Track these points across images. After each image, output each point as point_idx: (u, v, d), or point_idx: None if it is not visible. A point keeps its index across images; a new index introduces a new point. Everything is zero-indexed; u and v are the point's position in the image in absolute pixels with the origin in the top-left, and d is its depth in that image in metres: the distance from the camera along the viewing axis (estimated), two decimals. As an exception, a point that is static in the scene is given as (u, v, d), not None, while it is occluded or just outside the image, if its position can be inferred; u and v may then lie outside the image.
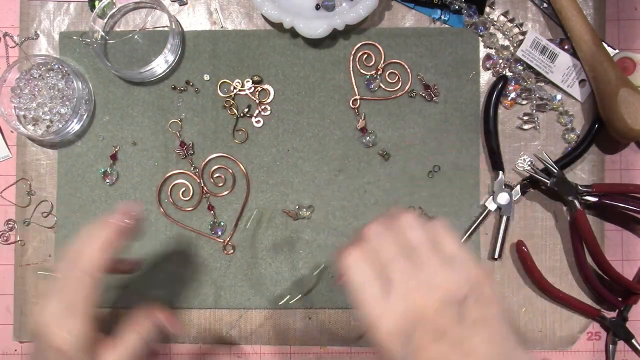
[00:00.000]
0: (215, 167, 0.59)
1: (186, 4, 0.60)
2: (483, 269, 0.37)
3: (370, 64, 0.59)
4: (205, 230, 0.58)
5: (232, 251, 0.58)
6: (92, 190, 0.59)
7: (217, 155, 0.59)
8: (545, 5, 0.59)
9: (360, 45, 0.59)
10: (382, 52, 0.59)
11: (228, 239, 0.58)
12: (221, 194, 0.58)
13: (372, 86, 0.58)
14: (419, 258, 0.36)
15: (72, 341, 0.38)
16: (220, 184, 0.59)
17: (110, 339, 0.41)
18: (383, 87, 0.59)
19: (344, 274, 0.37)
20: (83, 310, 0.39)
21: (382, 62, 0.59)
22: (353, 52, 0.59)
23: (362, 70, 0.59)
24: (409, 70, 0.59)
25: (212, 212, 0.58)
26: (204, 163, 0.58)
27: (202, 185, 0.58)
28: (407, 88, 0.59)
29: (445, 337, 0.33)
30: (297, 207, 0.58)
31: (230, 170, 0.59)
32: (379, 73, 0.59)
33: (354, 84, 0.59)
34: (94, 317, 0.40)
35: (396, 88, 0.59)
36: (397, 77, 0.59)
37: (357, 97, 0.59)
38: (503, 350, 0.34)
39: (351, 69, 0.59)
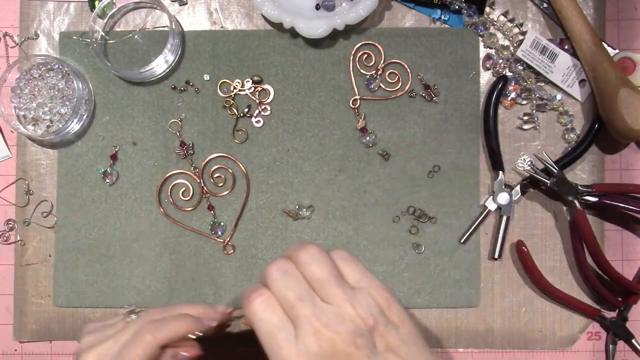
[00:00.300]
0: (216, 167, 0.59)
1: (186, 4, 0.60)
2: (388, 291, 0.37)
3: (370, 64, 0.59)
4: (205, 230, 0.58)
5: (232, 251, 0.58)
6: (92, 190, 0.59)
7: (217, 155, 0.59)
8: (545, 5, 0.59)
9: (360, 45, 0.59)
10: (382, 52, 0.59)
11: (228, 239, 0.58)
12: (221, 194, 0.58)
13: (372, 86, 0.58)
14: (324, 293, 0.36)
15: None
16: (220, 184, 0.59)
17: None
18: (383, 87, 0.59)
19: (251, 321, 0.37)
20: None
21: (382, 62, 0.59)
22: (353, 52, 0.59)
23: (362, 70, 0.59)
24: (409, 70, 0.59)
25: (212, 212, 0.58)
26: (204, 163, 0.58)
27: (202, 185, 0.58)
28: (407, 88, 0.59)
29: None
30: (297, 207, 0.58)
31: (230, 170, 0.59)
32: (379, 73, 0.59)
33: (354, 84, 0.59)
34: None
35: (396, 88, 0.59)
36: (397, 77, 0.59)
37: (357, 97, 0.59)
38: None
39: (351, 69, 0.59)
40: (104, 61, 0.57)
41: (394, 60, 0.59)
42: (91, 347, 0.43)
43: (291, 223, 0.58)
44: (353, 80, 0.59)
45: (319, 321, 0.35)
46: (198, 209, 0.58)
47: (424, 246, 0.58)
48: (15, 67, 0.57)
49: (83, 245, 0.58)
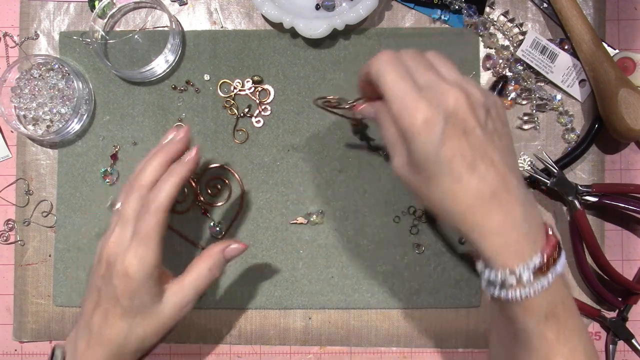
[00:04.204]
0: (212, 176, 0.58)
1: (186, 4, 0.60)
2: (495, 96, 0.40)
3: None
4: (205, 230, 0.58)
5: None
6: (92, 190, 0.59)
7: (215, 166, 0.58)
8: (545, 5, 0.59)
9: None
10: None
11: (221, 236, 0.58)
12: (217, 204, 0.58)
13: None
14: (442, 72, 0.39)
15: (141, 268, 0.40)
16: (216, 194, 0.58)
17: (175, 275, 0.45)
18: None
19: (377, 76, 0.39)
20: (155, 240, 0.42)
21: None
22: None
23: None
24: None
25: (207, 215, 0.58)
26: (202, 171, 0.58)
27: (199, 192, 0.58)
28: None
29: (469, 136, 0.36)
30: (307, 214, 0.58)
31: (227, 181, 0.58)
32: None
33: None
34: (161, 251, 0.42)
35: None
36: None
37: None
38: (509, 165, 0.37)
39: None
40: (104, 61, 0.57)
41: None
42: (105, 242, 0.43)
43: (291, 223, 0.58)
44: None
45: (441, 87, 0.37)
46: (193, 211, 0.58)
47: (424, 246, 0.58)
48: (15, 67, 0.57)
49: (83, 245, 0.58)
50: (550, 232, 0.37)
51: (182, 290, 0.43)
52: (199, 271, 0.44)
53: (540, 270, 0.35)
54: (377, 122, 0.42)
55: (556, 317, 0.36)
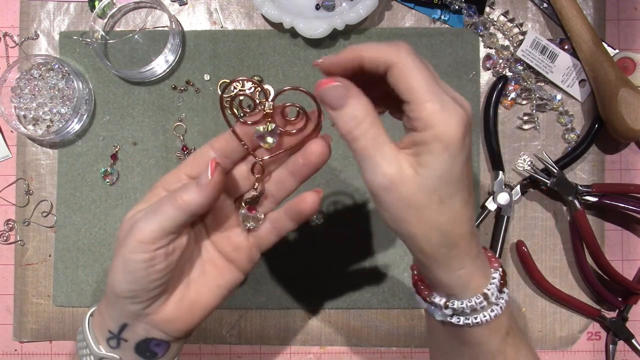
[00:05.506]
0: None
1: (186, 4, 0.60)
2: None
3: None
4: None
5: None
6: (92, 190, 0.59)
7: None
8: (545, 5, 0.59)
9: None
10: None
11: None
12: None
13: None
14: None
15: (156, 235, 0.36)
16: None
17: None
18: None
19: (401, 69, 0.33)
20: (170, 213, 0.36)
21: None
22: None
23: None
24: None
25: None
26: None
27: None
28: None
29: (467, 159, 0.33)
30: None
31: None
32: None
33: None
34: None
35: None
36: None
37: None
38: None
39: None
40: (104, 61, 0.57)
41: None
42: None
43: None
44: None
45: (454, 94, 0.34)
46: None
47: (424, 246, 0.58)
48: (15, 67, 0.57)
49: (83, 245, 0.58)
50: (482, 247, 0.36)
51: None
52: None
53: (501, 285, 0.35)
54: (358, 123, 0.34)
55: (513, 331, 0.36)
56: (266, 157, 0.37)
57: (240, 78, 0.38)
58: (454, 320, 0.35)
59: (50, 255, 0.59)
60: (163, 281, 0.36)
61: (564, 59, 0.58)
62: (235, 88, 0.38)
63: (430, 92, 0.32)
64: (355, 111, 0.33)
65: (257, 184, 0.38)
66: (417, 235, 0.33)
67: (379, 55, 0.34)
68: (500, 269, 0.35)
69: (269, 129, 0.36)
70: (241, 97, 0.38)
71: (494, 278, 0.34)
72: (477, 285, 0.34)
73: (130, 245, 0.35)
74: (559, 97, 0.59)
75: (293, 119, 0.37)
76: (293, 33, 0.58)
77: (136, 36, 0.59)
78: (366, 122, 0.33)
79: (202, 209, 0.35)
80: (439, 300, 0.35)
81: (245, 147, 0.37)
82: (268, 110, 0.36)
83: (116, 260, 0.36)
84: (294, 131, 0.37)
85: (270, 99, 0.36)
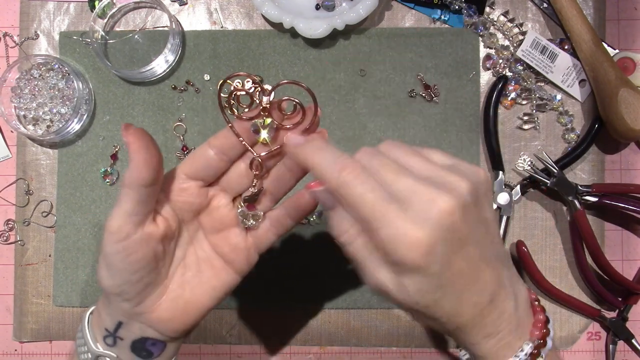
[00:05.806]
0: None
1: (186, 4, 0.60)
2: (481, 169, 0.33)
3: (370, 64, 0.59)
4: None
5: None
6: (92, 190, 0.59)
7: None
8: (545, 5, 0.59)
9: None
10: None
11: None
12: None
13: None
14: (421, 169, 0.32)
15: (120, 222, 0.35)
16: None
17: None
18: (383, 87, 0.59)
19: (342, 193, 0.31)
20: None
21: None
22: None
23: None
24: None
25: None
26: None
27: None
28: (407, 88, 0.59)
29: (468, 244, 0.30)
30: None
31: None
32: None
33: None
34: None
35: (396, 88, 0.59)
36: (397, 77, 0.59)
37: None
38: (500, 256, 0.33)
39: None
40: (104, 61, 0.57)
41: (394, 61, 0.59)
42: None
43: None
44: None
45: (425, 193, 0.30)
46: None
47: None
48: (15, 67, 0.57)
49: (83, 245, 0.58)
50: (537, 304, 0.35)
51: None
52: None
53: (532, 356, 0.34)
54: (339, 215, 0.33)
55: None
56: (263, 153, 0.37)
57: (240, 73, 0.38)
58: None
59: (50, 255, 0.59)
60: (144, 273, 0.35)
61: (564, 59, 0.58)
62: (236, 88, 0.38)
63: (382, 217, 0.30)
64: (344, 217, 0.32)
65: (255, 181, 0.38)
66: (423, 324, 0.34)
67: (322, 179, 0.33)
68: (536, 339, 0.34)
69: (266, 123, 0.36)
70: (239, 94, 0.37)
71: (522, 350, 0.33)
72: (501, 356, 0.33)
73: (105, 240, 0.35)
74: (559, 97, 0.59)
75: (290, 113, 0.37)
76: (293, 33, 0.58)
77: (136, 36, 0.59)
78: (355, 228, 0.32)
79: (143, 175, 0.33)
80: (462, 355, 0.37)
81: (243, 143, 0.37)
82: (265, 105, 0.36)
83: (99, 258, 0.36)
84: (290, 126, 0.37)
85: (267, 93, 0.36)
